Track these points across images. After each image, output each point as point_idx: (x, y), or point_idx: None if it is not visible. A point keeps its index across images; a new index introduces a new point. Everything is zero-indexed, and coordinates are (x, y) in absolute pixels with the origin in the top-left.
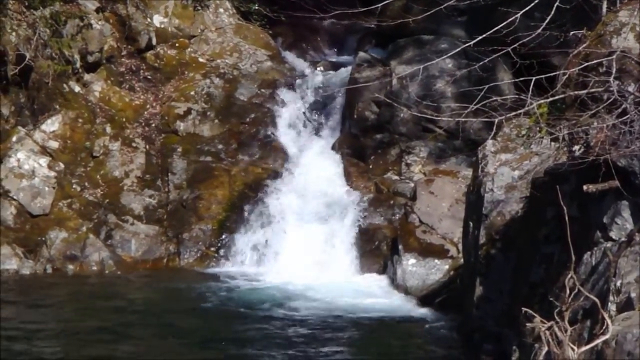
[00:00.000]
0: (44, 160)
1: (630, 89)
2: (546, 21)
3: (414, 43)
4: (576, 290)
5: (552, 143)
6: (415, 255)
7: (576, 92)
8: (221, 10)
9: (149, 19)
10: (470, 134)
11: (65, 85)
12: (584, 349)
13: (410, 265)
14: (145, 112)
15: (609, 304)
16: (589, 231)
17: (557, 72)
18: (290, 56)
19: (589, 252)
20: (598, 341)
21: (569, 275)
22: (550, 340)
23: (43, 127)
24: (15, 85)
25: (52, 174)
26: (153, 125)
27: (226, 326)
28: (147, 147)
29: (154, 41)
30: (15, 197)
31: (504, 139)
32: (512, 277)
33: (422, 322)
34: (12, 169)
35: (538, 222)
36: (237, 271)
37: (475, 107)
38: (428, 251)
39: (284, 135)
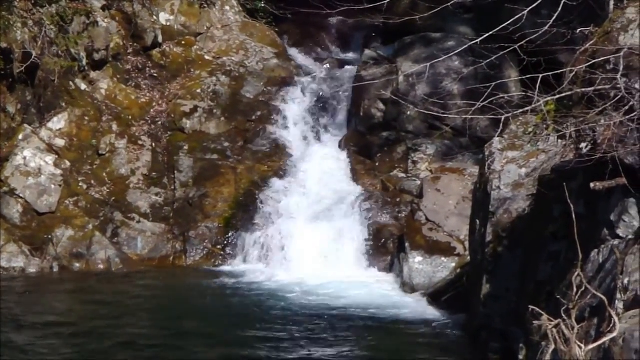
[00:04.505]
0: (50, 158)
1: (638, 86)
2: (553, 18)
3: (421, 41)
4: (583, 288)
5: (559, 140)
6: (422, 253)
7: (583, 90)
8: (227, 7)
9: (155, 17)
10: (477, 131)
11: (71, 83)
12: (591, 346)
13: (417, 263)
14: (152, 110)
15: (617, 301)
16: (596, 229)
17: (564, 70)
18: (296, 54)
19: (596, 250)
20: (605, 339)
21: (576, 273)
22: (557, 338)
23: (49, 125)
24: (21, 83)
25: (59, 171)
26: (159, 123)
27: (232, 325)
28: (154, 145)
29: (160, 39)
30: (21, 195)
31: (510, 137)
32: (519, 275)
33: (428, 320)
34: (18, 167)
35: (545, 219)
36: (243, 269)
37: (482, 104)
38: (435, 249)
39: (290, 132)
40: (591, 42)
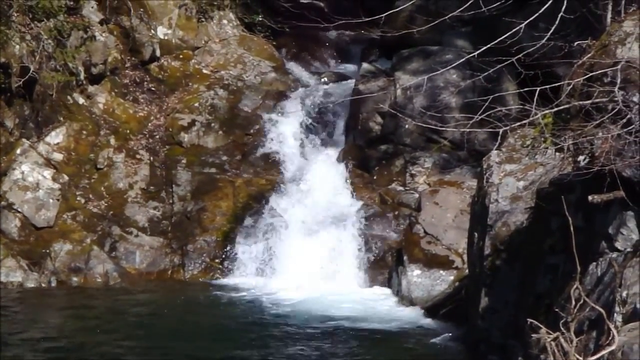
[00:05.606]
0: (48, 173)
1: (635, 99)
2: (550, 31)
3: (418, 54)
4: (582, 301)
5: (557, 153)
6: (420, 266)
7: (581, 103)
8: (225, 21)
9: (152, 31)
10: (475, 144)
11: (69, 97)
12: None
13: (415, 277)
14: (150, 124)
15: (615, 314)
16: (594, 241)
17: (562, 83)
18: (294, 67)
19: (594, 263)
20: (604, 352)
21: (575, 286)
22: (556, 351)
23: (47, 139)
24: (19, 97)
25: (57, 186)
26: (157, 136)
27: (227, 340)
28: (152, 158)
29: (157, 53)
30: (19, 210)
31: (508, 150)
32: (517, 288)
33: (427, 333)
34: (16, 181)
35: (543, 232)
36: (241, 283)
37: (480, 117)
38: (433, 262)
39: (288, 146)
40: (588, 55)
